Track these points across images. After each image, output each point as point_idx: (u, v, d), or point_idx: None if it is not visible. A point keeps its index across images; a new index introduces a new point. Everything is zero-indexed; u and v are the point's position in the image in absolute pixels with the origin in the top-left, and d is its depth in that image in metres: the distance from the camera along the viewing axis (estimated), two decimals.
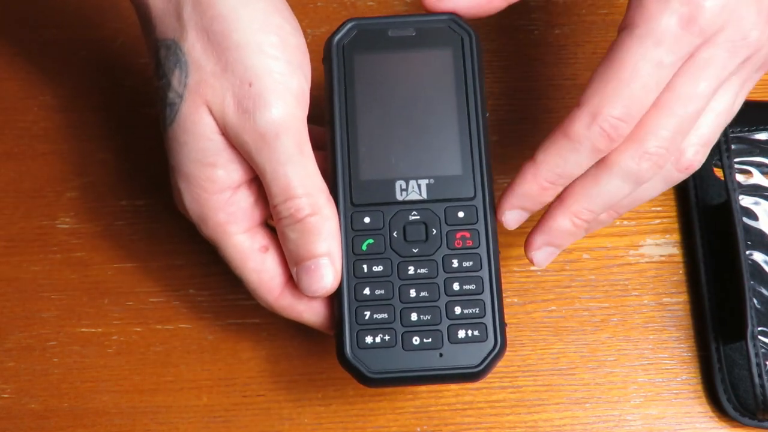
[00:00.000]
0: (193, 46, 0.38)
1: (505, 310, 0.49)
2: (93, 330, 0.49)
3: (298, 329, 0.48)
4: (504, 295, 0.49)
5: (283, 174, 0.38)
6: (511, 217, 0.41)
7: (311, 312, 0.41)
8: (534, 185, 0.39)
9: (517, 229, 0.50)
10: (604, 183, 0.39)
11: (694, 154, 0.40)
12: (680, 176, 0.41)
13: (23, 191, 0.51)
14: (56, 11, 0.54)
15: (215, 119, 0.38)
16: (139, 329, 0.49)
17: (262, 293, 0.41)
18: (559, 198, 0.41)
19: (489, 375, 0.47)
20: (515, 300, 0.49)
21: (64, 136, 0.52)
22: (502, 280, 0.46)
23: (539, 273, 0.50)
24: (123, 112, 0.52)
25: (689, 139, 0.40)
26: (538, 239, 0.41)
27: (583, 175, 0.40)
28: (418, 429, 0.47)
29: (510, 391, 0.48)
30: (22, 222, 0.51)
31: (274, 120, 0.38)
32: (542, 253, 0.42)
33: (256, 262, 0.41)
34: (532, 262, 0.42)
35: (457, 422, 0.47)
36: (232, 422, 0.47)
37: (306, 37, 0.43)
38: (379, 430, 0.47)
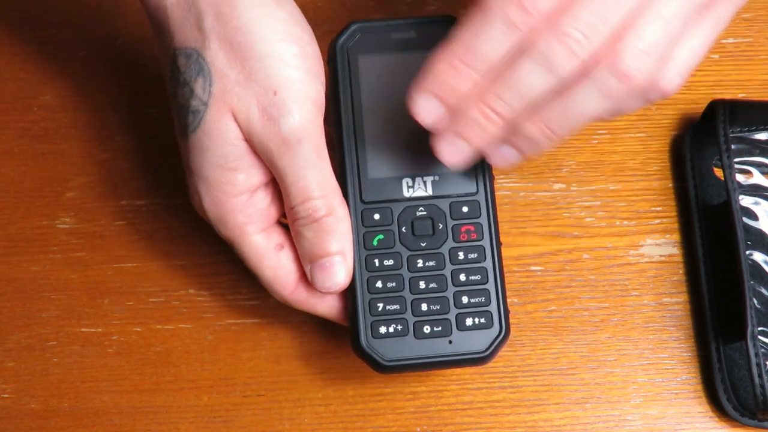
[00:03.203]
0: (216, 56, 0.39)
1: None
2: (93, 330, 0.49)
3: (298, 329, 0.48)
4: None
5: (303, 177, 0.40)
6: (423, 104, 0.37)
7: (325, 305, 0.43)
8: (445, 63, 0.36)
9: (517, 228, 0.50)
10: (517, 66, 0.35)
11: (635, 59, 0.34)
12: (620, 87, 0.35)
13: (23, 191, 0.51)
14: (56, 11, 0.54)
15: (239, 126, 0.39)
16: (139, 329, 0.49)
17: (278, 289, 0.42)
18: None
19: (489, 375, 0.47)
20: (515, 300, 0.49)
21: (64, 136, 0.52)
22: None
23: (539, 273, 0.49)
24: (123, 112, 0.52)
25: (630, 42, 0.35)
26: (447, 130, 0.37)
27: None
28: (418, 429, 0.47)
29: (510, 391, 0.48)
30: (22, 222, 0.50)
31: (297, 126, 0.39)
32: (449, 146, 0.38)
33: (272, 259, 0.42)
34: (438, 157, 0.38)
35: (457, 422, 0.47)
36: (232, 422, 0.47)
37: None
38: (378, 431, 0.47)
